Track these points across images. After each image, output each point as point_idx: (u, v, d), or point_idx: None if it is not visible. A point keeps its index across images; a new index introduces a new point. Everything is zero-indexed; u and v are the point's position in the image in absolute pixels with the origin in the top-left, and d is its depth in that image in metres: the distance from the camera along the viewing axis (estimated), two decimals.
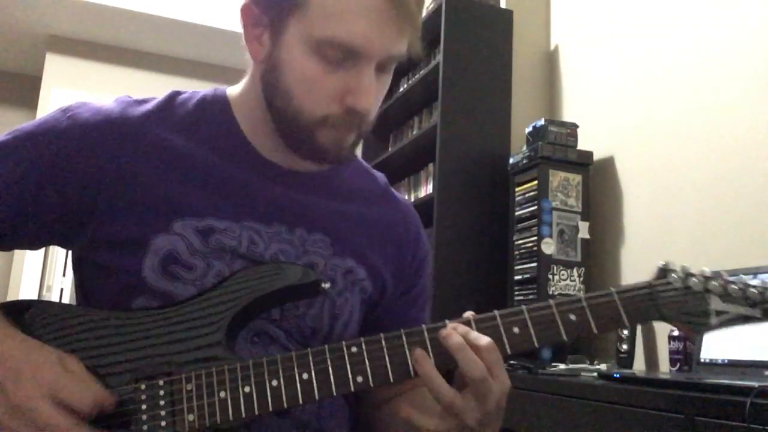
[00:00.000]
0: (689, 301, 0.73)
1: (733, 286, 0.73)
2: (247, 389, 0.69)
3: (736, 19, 1.91)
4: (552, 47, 2.85)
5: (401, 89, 3.27)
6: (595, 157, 2.35)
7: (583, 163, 2.31)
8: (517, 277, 2.29)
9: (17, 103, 5.03)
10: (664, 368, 1.89)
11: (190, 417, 0.68)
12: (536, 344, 0.71)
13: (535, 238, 2.21)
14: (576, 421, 1.50)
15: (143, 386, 0.70)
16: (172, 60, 4.77)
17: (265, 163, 0.84)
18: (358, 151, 3.31)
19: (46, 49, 4.52)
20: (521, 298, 2.26)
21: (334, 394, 0.70)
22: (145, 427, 0.69)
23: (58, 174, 0.77)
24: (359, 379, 0.70)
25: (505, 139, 2.66)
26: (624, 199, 2.26)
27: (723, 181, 1.87)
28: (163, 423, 0.69)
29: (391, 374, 0.70)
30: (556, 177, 2.27)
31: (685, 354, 1.71)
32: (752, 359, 1.49)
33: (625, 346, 1.94)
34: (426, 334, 0.71)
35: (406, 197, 3.28)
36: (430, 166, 3.00)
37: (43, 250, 4.12)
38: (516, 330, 0.71)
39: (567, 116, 2.64)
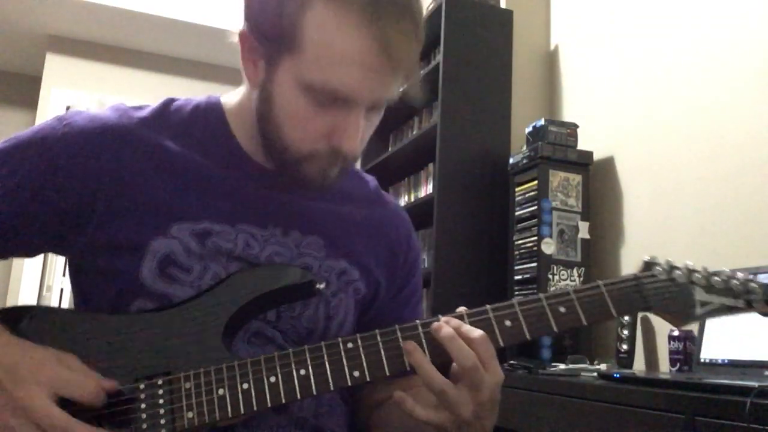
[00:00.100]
0: (674, 293, 0.76)
1: (716, 278, 0.77)
2: (245, 386, 0.70)
3: (736, 19, 1.91)
4: (552, 47, 2.85)
5: (401, 89, 3.26)
6: (595, 157, 2.35)
7: (583, 163, 2.31)
8: (517, 277, 2.29)
9: (17, 103, 5.03)
10: (664, 368, 1.89)
11: (190, 414, 0.69)
12: (528, 336, 0.74)
13: (535, 238, 2.21)
14: (576, 421, 1.50)
15: (142, 386, 0.71)
16: (172, 60, 4.77)
17: (259, 169, 0.85)
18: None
19: (46, 49, 4.52)
20: (521, 298, 2.25)
21: (332, 388, 0.71)
22: (144, 426, 0.69)
23: (56, 181, 0.78)
24: (356, 373, 0.71)
25: (505, 139, 2.66)
26: (624, 199, 2.26)
27: (723, 181, 1.87)
28: (163, 421, 0.69)
29: (386, 368, 0.72)
30: (556, 177, 2.27)
31: (685, 354, 1.71)
32: (752, 359, 1.49)
33: (625, 346, 1.94)
34: (420, 328, 0.73)
35: (406, 197, 3.28)
36: (430, 166, 3.00)
37: None
38: (508, 323, 0.73)
39: (567, 116, 2.64)
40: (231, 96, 0.89)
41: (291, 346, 0.75)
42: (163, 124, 0.84)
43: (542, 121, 2.34)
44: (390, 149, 3.43)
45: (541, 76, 2.82)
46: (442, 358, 0.71)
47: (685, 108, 2.05)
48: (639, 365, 2.03)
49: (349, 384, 0.71)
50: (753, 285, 0.77)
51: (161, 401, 0.70)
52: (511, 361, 2.00)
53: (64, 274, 4.27)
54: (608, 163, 2.35)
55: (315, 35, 0.71)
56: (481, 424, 0.71)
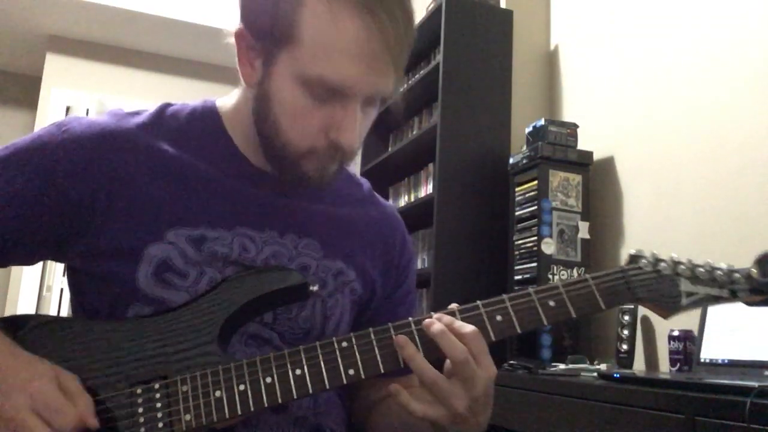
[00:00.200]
0: (660, 284, 0.79)
1: (700, 269, 0.79)
2: (242, 387, 0.71)
3: (736, 19, 1.91)
4: (552, 47, 2.85)
5: (401, 89, 3.27)
6: (595, 157, 2.35)
7: (583, 163, 2.31)
8: (517, 277, 2.29)
9: (17, 103, 5.03)
10: (664, 368, 1.89)
11: (187, 417, 0.70)
12: (518, 330, 0.75)
13: (535, 238, 2.21)
14: (576, 421, 1.50)
15: (139, 390, 0.71)
16: (172, 60, 4.77)
17: (256, 172, 0.86)
18: (358, 152, 3.28)
19: (46, 49, 4.53)
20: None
21: (327, 387, 0.72)
22: (142, 429, 0.70)
23: (55, 187, 0.78)
24: (351, 371, 0.72)
25: (505, 139, 2.66)
26: (624, 199, 2.26)
27: (723, 181, 1.87)
28: (161, 425, 0.70)
29: (381, 365, 0.73)
30: (556, 177, 2.26)
31: (685, 354, 1.71)
32: (752, 359, 1.49)
33: (625, 346, 1.94)
34: (413, 325, 0.74)
35: (406, 197, 3.28)
36: (430, 166, 3.00)
37: None
38: (499, 318, 0.75)
39: (567, 116, 2.64)
40: (226, 99, 0.90)
41: (288, 347, 0.76)
42: (159, 129, 0.85)
43: (542, 121, 2.34)
44: (390, 149, 3.43)
45: (541, 76, 2.82)
46: (435, 355, 0.72)
47: (685, 108, 2.05)
48: (639, 365, 2.03)
49: (345, 382, 0.72)
50: (736, 275, 0.80)
51: (158, 405, 0.71)
52: (511, 361, 2.00)
53: (64, 275, 4.26)
54: (608, 163, 2.35)
55: (311, 28, 0.73)
56: (475, 419, 0.72)
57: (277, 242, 0.84)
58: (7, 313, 4.16)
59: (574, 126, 2.37)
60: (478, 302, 0.76)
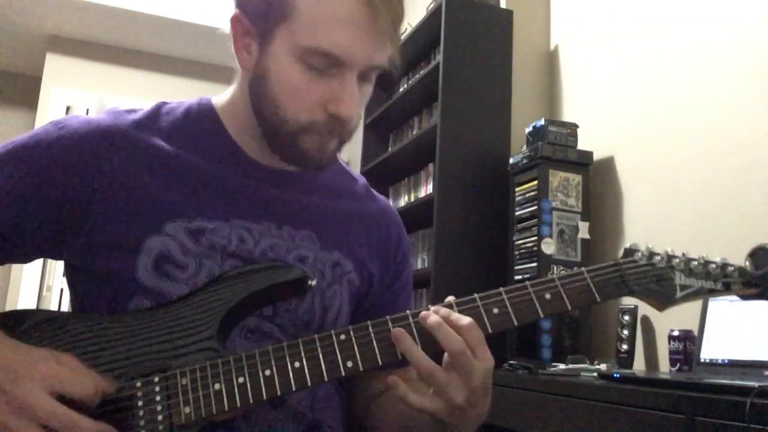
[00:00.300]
0: (654, 277, 0.80)
1: (694, 262, 0.81)
2: (241, 380, 0.72)
3: (736, 19, 1.91)
4: (552, 47, 2.85)
5: (401, 89, 3.27)
6: (595, 157, 2.35)
7: (583, 163, 2.31)
8: (517, 277, 2.29)
9: (17, 103, 5.04)
10: (664, 368, 1.89)
11: (187, 409, 0.71)
12: (515, 322, 0.76)
13: (535, 238, 2.21)
14: (576, 421, 1.50)
15: (139, 383, 0.72)
16: (172, 60, 4.77)
17: (252, 164, 0.87)
18: (358, 152, 3.30)
19: (46, 49, 4.53)
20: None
21: (326, 379, 0.73)
22: (142, 422, 0.70)
23: (53, 183, 0.79)
24: (349, 364, 0.73)
25: (505, 139, 2.66)
26: (624, 199, 2.26)
27: (723, 181, 1.87)
28: (160, 417, 0.71)
29: (379, 357, 0.74)
30: (556, 177, 2.26)
31: (685, 354, 1.71)
32: (752, 359, 1.49)
33: (625, 346, 1.94)
34: (410, 318, 0.75)
35: (406, 197, 3.28)
36: (430, 166, 3.00)
37: None
38: (495, 310, 0.76)
39: (567, 116, 2.64)
40: (221, 96, 0.91)
41: (288, 340, 0.77)
42: (156, 126, 0.86)
43: (542, 121, 2.34)
44: (390, 149, 3.43)
45: (541, 76, 2.82)
46: (433, 348, 0.73)
47: (685, 108, 2.05)
48: (639, 365, 2.03)
49: (343, 374, 0.73)
50: (730, 268, 0.81)
51: (158, 398, 0.71)
52: (511, 361, 2.00)
53: (64, 274, 4.26)
54: (608, 163, 2.35)
55: (306, 2, 0.75)
56: (474, 410, 0.73)
57: (274, 234, 0.84)
58: None
59: (574, 126, 2.37)
60: (475, 295, 0.77)
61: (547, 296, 0.77)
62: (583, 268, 0.79)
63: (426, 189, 3.07)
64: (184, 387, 0.71)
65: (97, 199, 0.79)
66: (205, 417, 0.71)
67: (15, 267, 4.24)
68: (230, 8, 0.82)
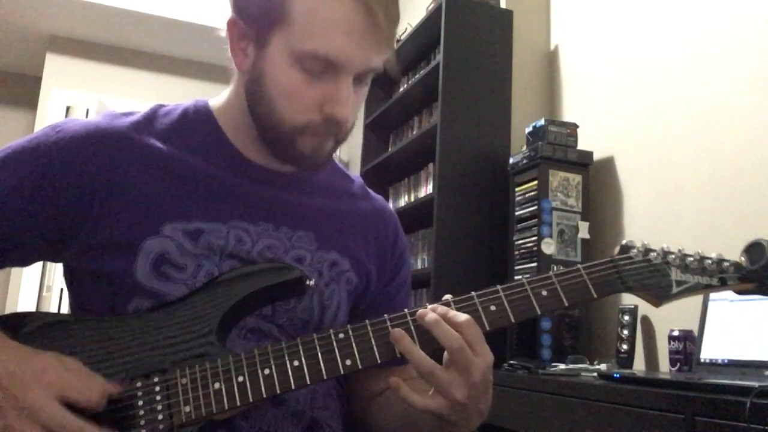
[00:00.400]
0: (651, 273, 0.80)
1: (690, 258, 0.81)
2: (240, 379, 0.72)
3: (736, 19, 1.91)
4: (552, 47, 2.85)
5: (401, 89, 3.27)
6: (595, 157, 2.35)
7: (583, 163, 2.31)
8: (517, 277, 2.29)
9: (17, 103, 5.04)
10: (664, 368, 1.89)
11: (187, 408, 0.71)
12: (512, 319, 0.77)
13: (535, 238, 2.21)
14: (576, 421, 1.50)
15: (139, 383, 0.72)
16: (172, 60, 4.77)
17: (249, 165, 0.87)
18: (358, 153, 3.31)
19: (46, 49, 4.53)
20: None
21: (325, 377, 0.73)
22: (142, 422, 0.71)
23: (51, 186, 0.79)
24: (348, 362, 0.73)
25: (505, 139, 2.66)
26: (624, 199, 2.26)
27: (723, 181, 1.87)
28: (161, 417, 0.71)
29: (377, 355, 0.74)
30: (556, 177, 2.26)
31: (685, 354, 1.71)
32: (752, 359, 1.49)
33: (625, 346, 1.94)
34: (409, 316, 0.75)
35: (406, 197, 3.28)
36: (430, 166, 3.00)
37: None
38: (493, 308, 0.76)
39: (567, 116, 2.64)
40: (217, 98, 0.92)
41: (287, 339, 0.77)
42: (152, 127, 0.86)
43: (542, 121, 2.34)
44: (390, 149, 3.43)
45: (541, 76, 2.82)
46: (432, 346, 0.73)
47: (685, 108, 2.05)
48: (639, 365, 2.03)
49: (342, 372, 0.73)
50: (726, 264, 0.82)
51: (158, 397, 0.72)
52: (511, 361, 2.00)
53: (63, 276, 4.26)
54: (608, 163, 2.35)
55: (302, 6, 0.75)
56: (476, 406, 0.74)
57: (272, 235, 0.85)
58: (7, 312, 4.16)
59: (574, 126, 2.37)
60: (473, 293, 0.77)
61: (544, 293, 0.77)
62: (579, 265, 0.80)
63: (426, 189, 3.07)
64: (184, 386, 0.72)
65: (96, 201, 0.80)
66: (205, 416, 0.71)
67: (15, 268, 4.24)
68: (227, 11, 0.83)
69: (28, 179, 0.79)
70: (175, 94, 4.59)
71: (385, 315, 0.76)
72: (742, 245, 0.85)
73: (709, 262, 0.82)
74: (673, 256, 0.81)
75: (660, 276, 0.80)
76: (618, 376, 1.54)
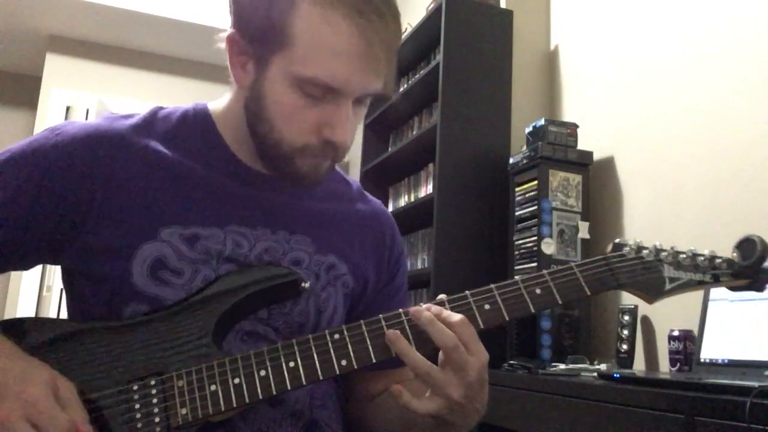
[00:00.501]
0: (643, 270, 0.81)
1: (682, 255, 0.82)
2: (236, 381, 0.72)
3: (736, 19, 1.91)
4: (552, 47, 2.85)
5: (401, 89, 3.27)
6: (595, 157, 2.35)
7: (583, 163, 2.31)
8: (516, 277, 2.28)
9: (17, 103, 5.04)
10: (664, 368, 1.89)
11: (183, 411, 0.71)
12: (506, 317, 0.77)
13: (535, 238, 2.21)
14: (576, 421, 1.50)
15: (135, 387, 0.73)
16: (172, 60, 4.77)
17: (247, 170, 0.87)
18: (358, 153, 3.30)
19: (46, 49, 4.53)
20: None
21: (321, 378, 0.73)
22: (139, 425, 0.71)
23: (51, 188, 0.79)
24: (343, 362, 0.74)
25: (505, 139, 2.66)
26: (624, 199, 2.26)
27: (723, 181, 1.87)
28: (157, 419, 0.71)
29: (373, 355, 0.74)
30: (556, 177, 2.26)
31: (685, 354, 1.71)
32: (752, 359, 1.49)
33: (625, 346, 1.94)
34: (404, 317, 0.76)
35: (406, 197, 3.28)
36: (430, 166, 3.00)
37: None
38: (487, 306, 0.77)
39: (567, 116, 2.64)
40: (217, 102, 0.92)
41: (283, 341, 0.77)
42: (151, 130, 0.86)
43: (542, 121, 2.34)
44: (390, 149, 3.43)
45: (541, 76, 2.82)
46: (428, 346, 0.74)
47: (685, 108, 2.05)
48: (639, 365, 2.03)
49: (338, 372, 0.74)
50: (718, 260, 0.83)
51: (155, 400, 0.72)
52: (511, 361, 2.00)
53: (61, 278, 4.26)
54: (608, 163, 2.35)
55: (304, 31, 0.75)
56: (472, 405, 0.74)
57: (269, 238, 0.85)
58: (7, 313, 4.16)
59: (574, 126, 2.37)
60: (467, 292, 0.78)
61: (538, 291, 0.78)
62: (572, 263, 0.81)
63: (426, 189, 3.07)
64: (180, 389, 0.72)
65: (95, 203, 0.80)
66: (201, 418, 0.71)
67: None
68: (226, 21, 0.82)
69: (28, 182, 0.79)
70: (175, 94, 4.59)
71: (380, 315, 0.76)
72: None
73: (702, 258, 0.82)
74: (666, 253, 0.82)
75: (652, 273, 0.81)
76: (618, 376, 1.54)
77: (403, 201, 3.29)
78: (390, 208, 3.28)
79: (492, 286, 0.78)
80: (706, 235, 1.89)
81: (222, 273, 0.80)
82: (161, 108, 0.91)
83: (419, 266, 3.01)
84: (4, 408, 0.65)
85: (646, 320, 2.06)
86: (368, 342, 0.74)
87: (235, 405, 0.72)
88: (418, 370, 0.72)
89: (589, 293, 0.79)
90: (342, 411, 0.92)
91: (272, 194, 0.88)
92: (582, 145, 2.34)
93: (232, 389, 0.72)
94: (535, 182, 2.26)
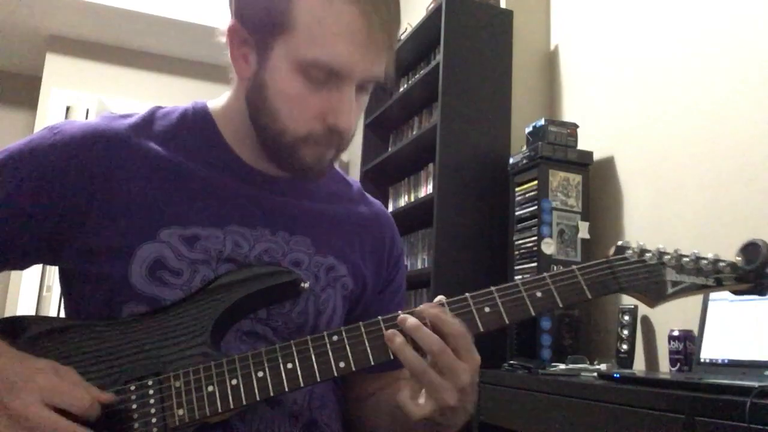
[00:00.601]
0: (646, 274, 0.80)
1: (685, 258, 0.81)
2: (234, 382, 0.72)
3: (736, 19, 1.91)
4: (552, 47, 2.85)
5: (401, 89, 3.27)
6: (595, 157, 2.35)
7: (583, 163, 2.31)
8: (517, 277, 2.28)
9: (17, 103, 5.04)
10: (664, 368, 1.89)
11: (180, 412, 0.71)
12: (506, 321, 0.76)
13: (535, 238, 2.21)
14: (576, 421, 1.50)
15: (133, 387, 0.73)
16: (172, 60, 4.77)
17: (248, 169, 0.87)
18: (358, 153, 3.30)
19: (46, 49, 4.53)
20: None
21: (318, 380, 0.73)
22: (136, 425, 0.71)
23: (49, 188, 0.79)
24: (341, 364, 0.73)
25: (505, 139, 2.66)
26: (624, 199, 2.26)
27: (723, 181, 1.87)
28: (154, 420, 0.71)
29: (371, 358, 0.74)
30: (556, 177, 2.26)
31: (685, 354, 1.71)
32: (752, 359, 1.49)
33: (625, 346, 1.94)
34: (398, 322, 0.74)
35: (406, 197, 3.28)
36: (430, 166, 3.00)
37: None
38: (487, 309, 0.76)
39: (567, 116, 2.64)
40: (217, 101, 0.91)
41: (282, 342, 0.77)
42: (151, 129, 0.86)
43: (542, 121, 2.34)
44: (390, 149, 3.43)
45: (541, 76, 2.82)
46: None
47: (685, 108, 2.05)
48: (639, 365, 2.03)
49: (336, 375, 0.73)
50: (722, 264, 0.82)
51: (152, 401, 0.72)
52: (511, 361, 2.00)
53: (60, 278, 4.26)
54: (608, 163, 2.35)
55: (305, 14, 0.75)
56: (464, 407, 0.73)
57: (269, 239, 0.85)
58: (8, 313, 4.16)
59: (574, 126, 2.37)
60: (467, 294, 0.77)
61: (539, 294, 0.77)
62: (574, 266, 0.79)
63: (426, 189, 3.07)
64: (177, 389, 0.72)
65: (95, 203, 0.79)
66: (198, 419, 0.71)
67: None
68: (227, 16, 0.82)
69: (26, 182, 0.79)
70: (175, 94, 4.59)
71: (379, 317, 0.75)
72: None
73: (705, 262, 0.81)
74: (669, 256, 0.81)
75: (655, 276, 0.80)
76: (618, 376, 1.54)
77: (403, 201, 3.29)
78: (390, 208, 3.28)
79: (492, 288, 0.77)
80: (706, 235, 1.89)
81: (221, 273, 0.80)
82: (160, 107, 0.90)
83: (419, 266, 3.01)
84: (18, 400, 0.65)
85: (646, 320, 2.06)
86: (367, 344, 0.74)
87: (232, 406, 0.71)
88: (416, 370, 0.72)
89: (590, 297, 0.78)
90: (341, 410, 0.92)
91: (273, 194, 0.87)
92: (582, 145, 2.34)
93: (229, 390, 0.72)
94: (535, 182, 2.26)
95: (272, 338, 0.82)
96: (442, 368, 0.71)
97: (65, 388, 0.68)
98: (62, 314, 0.86)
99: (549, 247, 2.19)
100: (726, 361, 1.56)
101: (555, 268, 2.18)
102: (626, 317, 1.97)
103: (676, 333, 1.74)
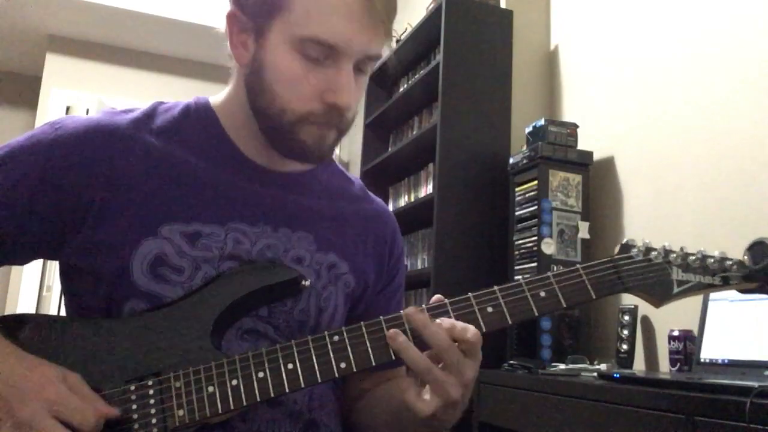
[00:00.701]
0: (651, 273, 0.78)
1: (692, 257, 0.79)
2: (234, 382, 0.72)
3: (736, 18, 1.91)
4: (552, 47, 2.85)
5: (401, 89, 3.27)
6: (595, 157, 2.35)
7: (583, 163, 2.31)
8: (517, 277, 2.28)
9: (17, 103, 5.04)
10: (664, 368, 1.89)
11: (180, 412, 0.71)
12: (509, 321, 0.75)
13: (535, 238, 2.21)
14: (576, 421, 1.50)
15: (132, 387, 0.72)
16: (172, 60, 4.77)
17: (250, 165, 0.87)
18: (358, 153, 3.30)
19: (46, 49, 4.53)
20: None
21: (319, 380, 0.72)
22: (136, 426, 0.71)
23: (50, 183, 0.78)
24: (342, 365, 0.73)
25: (505, 139, 2.66)
26: (624, 199, 2.26)
27: (723, 181, 1.87)
28: (154, 420, 0.71)
29: (372, 358, 0.73)
30: (556, 177, 2.26)
31: (685, 354, 1.71)
32: (752, 359, 1.49)
33: (625, 346, 1.94)
34: (404, 318, 0.74)
35: (406, 197, 3.28)
36: (430, 166, 3.00)
37: None
38: (489, 309, 0.75)
39: (567, 116, 2.64)
40: (218, 96, 0.91)
41: (283, 341, 0.77)
42: (152, 124, 0.85)
43: (542, 121, 2.34)
44: (390, 149, 3.43)
45: (541, 76, 2.82)
46: (426, 346, 0.73)
47: (685, 108, 2.05)
48: (639, 365, 2.03)
49: (337, 376, 0.73)
50: (728, 263, 0.80)
51: (152, 401, 0.72)
52: (511, 361, 2.00)
53: (60, 275, 4.26)
54: (608, 163, 2.35)
55: None
56: (463, 401, 0.73)
57: (271, 235, 0.84)
58: (8, 312, 4.16)
59: (574, 126, 2.37)
60: (470, 294, 0.76)
61: (542, 294, 0.76)
62: (578, 265, 0.78)
63: (426, 189, 3.07)
64: (177, 390, 0.72)
65: (96, 198, 0.79)
66: (198, 420, 0.71)
67: (15, 267, 4.24)
68: (226, 6, 0.82)
69: (27, 177, 0.78)
70: (175, 94, 4.58)
71: (381, 317, 0.75)
72: (743, 245, 0.84)
73: (712, 261, 0.80)
74: (675, 254, 0.79)
75: (661, 276, 0.78)
76: (618, 376, 1.54)
77: (403, 201, 3.29)
78: (390, 208, 3.28)
79: (495, 288, 0.76)
80: (706, 234, 1.89)
81: (223, 270, 0.79)
82: (162, 103, 0.90)
83: (419, 266, 3.01)
84: (27, 409, 0.66)
85: (646, 320, 2.06)
86: (368, 344, 0.73)
87: (232, 407, 0.71)
88: (419, 368, 0.71)
89: (594, 297, 0.76)
90: (341, 411, 0.92)
91: (275, 190, 0.87)
92: (582, 145, 2.34)
93: (229, 391, 0.71)
94: (535, 182, 2.26)
95: (273, 336, 0.82)
96: (449, 364, 0.71)
97: (74, 403, 0.68)
98: (63, 313, 0.86)
99: (549, 247, 2.19)
100: (726, 361, 1.56)
101: (555, 268, 2.18)
102: (626, 317, 1.97)
103: (676, 333, 1.74)
